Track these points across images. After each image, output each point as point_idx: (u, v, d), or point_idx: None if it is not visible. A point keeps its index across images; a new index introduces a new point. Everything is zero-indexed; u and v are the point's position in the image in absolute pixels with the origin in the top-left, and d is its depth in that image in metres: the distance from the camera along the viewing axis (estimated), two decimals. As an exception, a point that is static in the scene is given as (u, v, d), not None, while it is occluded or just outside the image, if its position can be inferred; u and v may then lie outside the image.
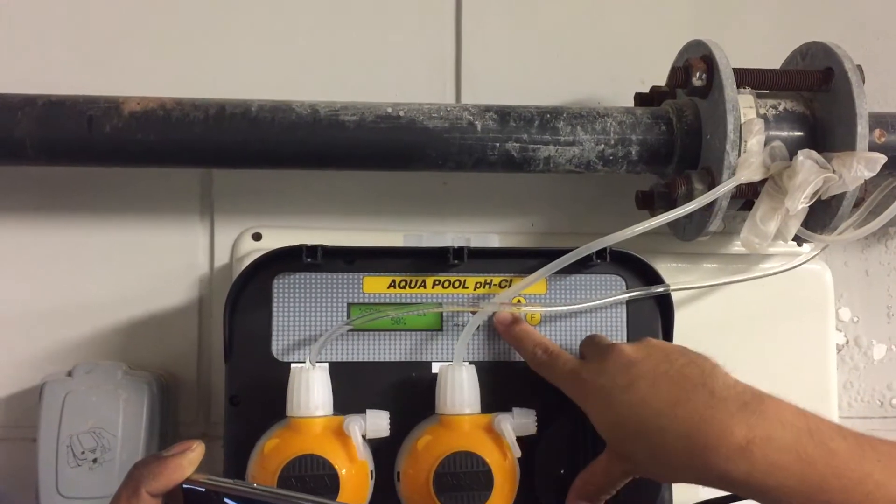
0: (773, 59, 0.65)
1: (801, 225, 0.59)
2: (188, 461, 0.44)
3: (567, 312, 0.58)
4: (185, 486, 0.43)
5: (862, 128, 0.56)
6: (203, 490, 0.43)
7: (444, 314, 0.57)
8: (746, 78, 0.59)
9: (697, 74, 0.58)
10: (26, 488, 0.60)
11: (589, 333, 0.58)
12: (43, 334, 0.65)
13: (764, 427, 0.44)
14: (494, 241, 0.68)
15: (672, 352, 0.50)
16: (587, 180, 0.68)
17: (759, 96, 0.60)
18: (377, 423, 0.53)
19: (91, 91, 0.59)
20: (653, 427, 0.47)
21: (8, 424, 0.65)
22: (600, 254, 0.56)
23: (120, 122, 0.57)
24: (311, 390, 0.52)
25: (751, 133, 0.57)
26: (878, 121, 0.59)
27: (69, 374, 0.60)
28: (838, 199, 0.58)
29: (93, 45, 0.67)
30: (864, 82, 0.57)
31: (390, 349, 0.56)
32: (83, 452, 0.58)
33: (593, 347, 0.54)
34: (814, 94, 0.61)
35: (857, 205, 0.59)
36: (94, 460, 0.58)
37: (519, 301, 0.57)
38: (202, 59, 0.68)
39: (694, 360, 0.49)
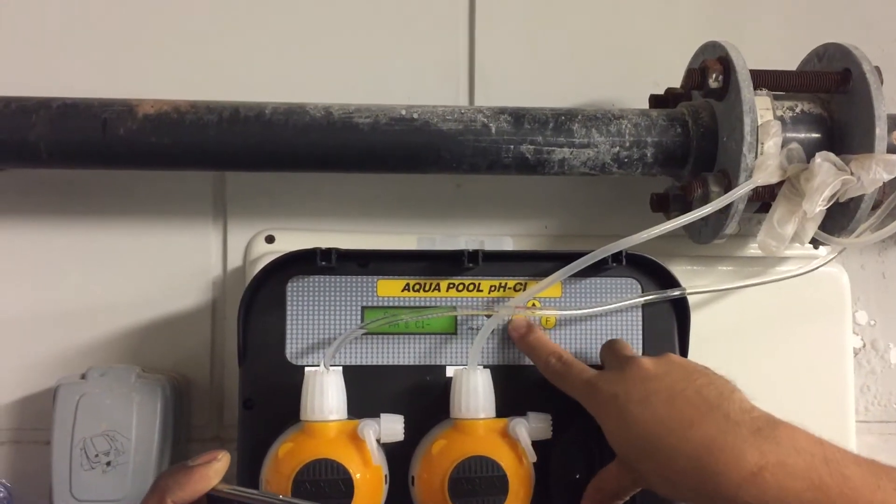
0: (788, 60, 0.65)
1: (819, 228, 0.59)
2: (214, 471, 0.44)
3: (582, 316, 0.57)
4: (210, 495, 0.43)
5: (880, 130, 0.56)
6: (228, 500, 0.43)
7: (459, 318, 0.57)
8: (763, 79, 0.59)
9: (714, 76, 0.58)
10: (40, 491, 0.60)
11: (606, 337, 0.57)
12: (57, 337, 0.65)
13: (777, 453, 0.43)
14: (508, 244, 0.68)
15: (692, 371, 0.49)
16: (600, 182, 0.68)
17: (775, 98, 0.59)
18: (392, 427, 0.52)
19: (105, 94, 0.59)
20: (665, 446, 0.46)
21: (22, 427, 0.65)
22: (616, 257, 0.56)
23: (134, 124, 0.57)
24: (326, 394, 0.51)
25: (768, 135, 0.56)
26: (896, 123, 0.59)
27: (83, 376, 0.60)
28: (856, 201, 0.57)
29: (107, 48, 0.67)
30: (882, 84, 0.57)
31: (404, 353, 0.56)
32: (97, 455, 0.58)
33: (612, 357, 0.53)
34: (831, 95, 0.60)
35: (874, 207, 0.59)
36: (108, 463, 0.58)
37: (534, 305, 0.57)
38: (216, 62, 0.68)
39: (713, 382, 0.48)
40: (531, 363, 0.56)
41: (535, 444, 0.52)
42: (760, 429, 0.45)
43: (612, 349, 0.55)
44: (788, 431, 0.45)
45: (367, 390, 0.55)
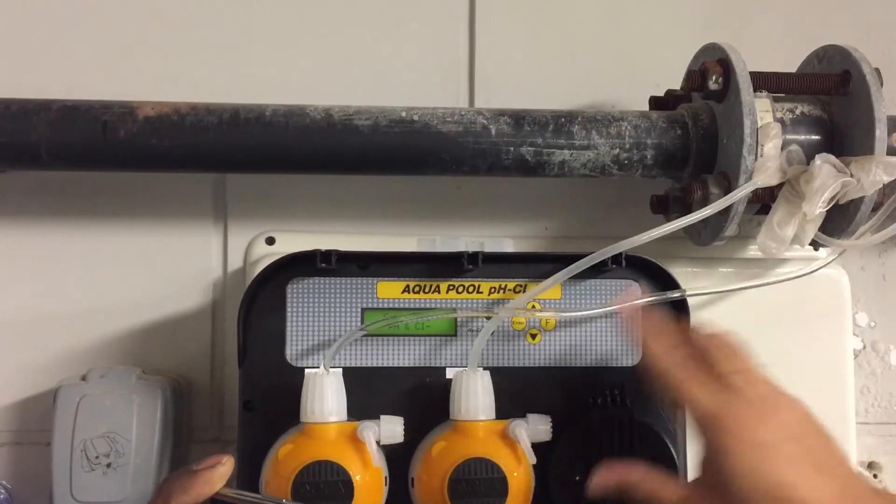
0: (788, 62, 0.65)
1: (818, 229, 0.59)
2: (218, 475, 0.44)
3: (582, 318, 0.57)
4: (214, 499, 0.43)
5: (880, 132, 0.56)
6: None
7: (459, 319, 0.57)
8: (763, 81, 0.59)
9: (714, 78, 0.58)
10: (41, 492, 0.60)
11: (606, 339, 0.57)
12: (57, 338, 0.65)
13: None
14: (508, 245, 0.68)
15: (826, 441, 0.47)
16: (600, 184, 0.68)
17: (775, 100, 0.59)
18: (391, 428, 0.52)
19: (106, 96, 0.59)
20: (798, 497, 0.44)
21: (22, 428, 0.65)
22: (616, 259, 0.56)
23: (134, 126, 0.57)
24: (326, 396, 0.52)
25: (767, 137, 0.56)
26: (896, 124, 0.59)
27: (83, 378, 0.60)
28: (856, 203, 0.57)
29: (108, 50, 0.67)
30: (882, 85, 0.57)
31: (404, 354, 0.56)
32: (97, 457, 0.58)
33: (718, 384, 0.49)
34: (831, 97, 0.60)
35: (874, 209, 0.58)
36: (108, 465, 0.58)
37: (533, 306, 0.57)
38: (216, 64, 0.68)
39: (842, 463, 0.47)
40: (531, 365, 0.56)
41: (534, 445, 0.52)
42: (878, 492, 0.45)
43: (732, 363, 0.50)
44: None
45: (366, 392, 0.55)
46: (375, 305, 0.56)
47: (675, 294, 0.57)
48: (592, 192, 0.69)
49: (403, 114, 0.59)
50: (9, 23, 0.66)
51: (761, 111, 0.57)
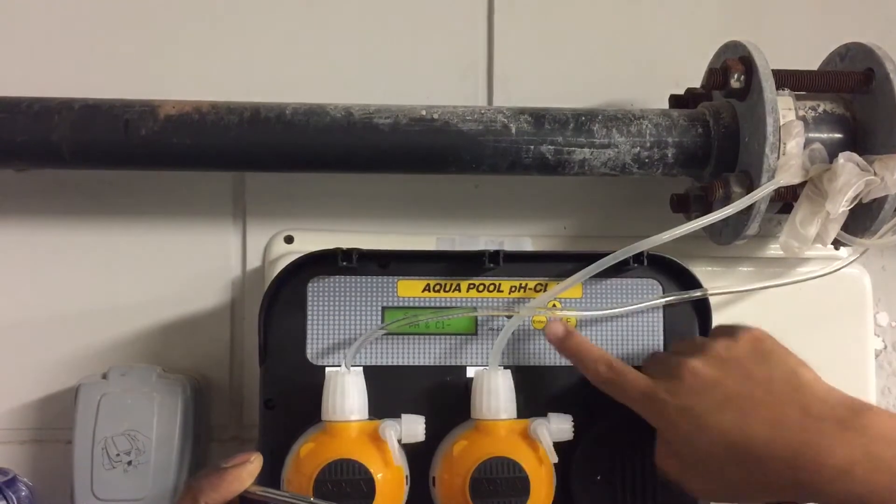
0: (810, 60, 0.64)
1: (841, 228, 0.58)
2: (247, 473, 0.45)
3: (603, 317, 0.57)
4: (243, 497, 0.43)
5: (905, 130, 0.55)
6: (261, 502, 0.43)
7: (479, 318, 0.57)
8: (785, 79, 0.59)
9: (736, 76, 0.57)
10: (62, 490, 0.60)
11: (627, 339, 0.57)
12: (77, 337, 0.65)
13: (864, 445, 0.43)
14: (527, 244, 0.68)
15: (750, 365, 0.49)
16: (619, 183, 0.68)
17: (797, 98, 0.59)
18: (413, 427, 0.52)
19: (127, 95, 0.59)
20: (752, 453, 0.45)
21: (44, 426, 0.65)
22: (637, 258, 0.56)
23: (156, 125, 0.57)
24: (347, 394, 0.51)
25: (790, 135, 0.56)
26: (920, 123, 0.58)
27: (104, 376, 0.60)
28: (879, 202, 0.57)
29: (129, 49, 0.67)
30: (905, 83, 0.57)
31: (425, 353, 0.56)
32: (118, 455, 0.58)
33: (659, 364, 0.53)
34: (854, 95, 0.60)
35: (898, 208, 0.58)
36: (129, 463, 0.58)
37: (554, 305, 0.57)
38: (238, 63, 0.68)
39: (775, 371, 0.48)
40: (552, 364, 0.56)
41: (556, 445, 0.52)
42: (844, 420, 0.44)
43: (655, 357, 0.55)
44: (873, 418, 0.44)
45: (387, 391, 0.55)
46: (396, 304, 0.56)
47: (697, 293, 0.57)
48: (610, 190, 0.69)
49: (423, 112, 0.59)
50: (32, 23, 0.67)
51: (783, 109, 0.57)
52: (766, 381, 0.48)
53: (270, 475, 0.53)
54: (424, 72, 0.69)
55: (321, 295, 0.56)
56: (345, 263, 0.55)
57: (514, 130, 0.59)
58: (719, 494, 0.49)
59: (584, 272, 0.55)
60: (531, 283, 0.57)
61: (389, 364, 0.56)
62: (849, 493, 0.43)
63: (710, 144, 0.60)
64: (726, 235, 0.62)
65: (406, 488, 0.52)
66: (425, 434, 0.53)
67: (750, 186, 0.57)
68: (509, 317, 0.56)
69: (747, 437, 0.46)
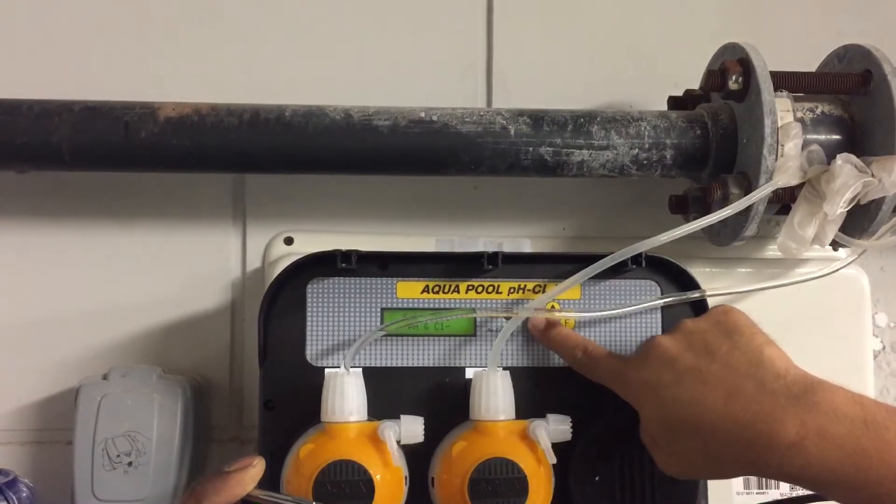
0: (808, 61, 0.64)
1: (839, 229, 0.58)
2: (250, 477, 0.45)
3: (601, 318, 0.57)
4: (245, 501, 0.43)
5: (902, 131, 0.55)
6: None
7: (478, 319, 0.57)
8: (783, 81, 0.59)
9: (734, 78, 0.57)
10: (62, 491, 0.60)
11: (626, 340, 0.57)
12: (78, 338, 0.66)
13: (816, 421, 0.43)
14: (526, 246, 0.68)
15: (712, 339, 0.50)
16: (618, 184, 0.68)
17: (795, 99, 0.59)
18: (412, 428, 0.52)
19: (127, 97, 0.59)
20: (706, 425, 0.46)
21: (44, 427, 0.65)
22: (636, 259, 0.56)
23: (156, 127, 0.58)
24: (346, 395, 0.52)
25: (788, 137, 0.56)
26: (918, 124, 0.58)
27: (105, 377, 0.60)
28: (877, 203, 0.57)
29: (129, 51, 0.67)
30: (903, 85, 0.57)
31: (424, 354, 0.56)
32: (118, 456, 0.59)
33: (640, 346, 0.54)
34: (851, 97, 0.60)
35: (896, 209, 0.58)
36: (130, 463, 0.59)
37: (553, 307, 0.57)
38: (237, 65, 0.68)
39: (737, 346, 0.48)
40: (551, 364, 0.56)
41: (554, 446, 0.52)
42: (797, 395, 0.44)
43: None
44: (827, 395, 0.44)
45: (386, 392, 0.55)
46: (395, 305, 0.56)
47: (696, 294, 0.57)
48: (608, 192, 0.69)
49: (423, 114, 0.59)
50: (31, 24, 0.67)
51: (781, 111, 0.57)
52: (727, 354, 0.48)
53: (270, 476, 0.53)
54: (424, 73, 0.69)
55: (321, 296, 0.56)
56: (344, 265, 0.55)
57: (512, 132, 0.59)
58: (681, 470, 0.49)
59: (582, 273, 0.55)
60: (530, 285, 0.57)
61: (389, 365, 0.56)
62: (801, 468, 0.43)
63: (708, 146, 0.60)
64: (725, 236, 0.62)
65: (405, 489, 0.52)
66: (424, 435, 0.53)
67: (748, 188, 0.57)
68: (508, 318, 0.56)
69: (702, 409, 0.46)
